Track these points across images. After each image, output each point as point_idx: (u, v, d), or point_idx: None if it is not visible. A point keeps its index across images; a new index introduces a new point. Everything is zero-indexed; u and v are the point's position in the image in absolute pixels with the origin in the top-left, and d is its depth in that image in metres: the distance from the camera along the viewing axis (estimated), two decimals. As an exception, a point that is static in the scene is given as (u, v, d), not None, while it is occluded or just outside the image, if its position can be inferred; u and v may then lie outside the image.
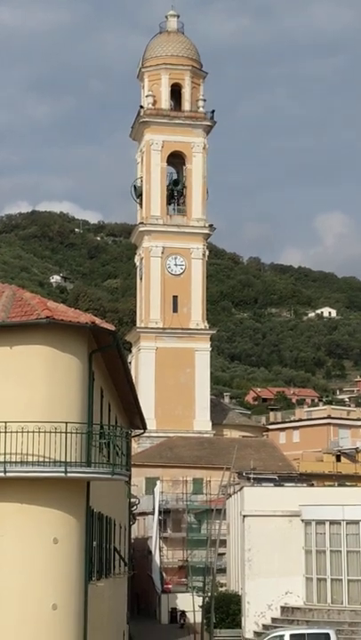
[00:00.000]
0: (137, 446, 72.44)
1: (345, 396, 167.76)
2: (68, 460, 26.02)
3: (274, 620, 42.64)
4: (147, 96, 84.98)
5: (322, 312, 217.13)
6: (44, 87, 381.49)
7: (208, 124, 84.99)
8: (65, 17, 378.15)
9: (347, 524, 42.33)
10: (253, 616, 43.32)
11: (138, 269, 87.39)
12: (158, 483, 65.32)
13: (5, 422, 25.97)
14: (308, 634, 36.85)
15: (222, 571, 54.44)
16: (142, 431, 49.28)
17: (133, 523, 56.99)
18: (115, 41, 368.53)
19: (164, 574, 62.94)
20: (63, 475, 25.97)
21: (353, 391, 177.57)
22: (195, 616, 50.29)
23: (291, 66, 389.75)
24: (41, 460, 26.01)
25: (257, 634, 41.89)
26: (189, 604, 51.68)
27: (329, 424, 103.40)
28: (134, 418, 44.74)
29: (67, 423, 26.11)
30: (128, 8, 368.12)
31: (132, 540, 56.65)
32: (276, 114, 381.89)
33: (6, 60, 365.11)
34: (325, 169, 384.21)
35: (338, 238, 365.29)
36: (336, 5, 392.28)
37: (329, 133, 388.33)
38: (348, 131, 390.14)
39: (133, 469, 52.80)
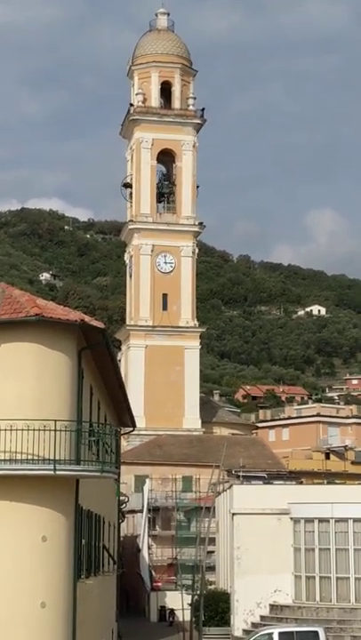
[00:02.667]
0: (126, 444, 72.37)
1: (334, 394, 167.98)
2: (57, 457, 26.02)
3: (263, 617, 42.67)
4: (137, 94, 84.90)
5: (311, 310, 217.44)
6: (36, 82, 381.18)
7: (198, 121, 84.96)
8: (57, 13, 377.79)
9: (336, 521, 42.39)
10: (242, 614, 43.34)
11: (127, 267, 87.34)
12: (147, 480, 65.35)
13: (-6, 420, 25.96)
14: (296, 632, 36.85)
15: (211, 569, 54.47)
16: (132, 429, 49.24)
17: (122, 520, 56.95)
18: (108, 37, 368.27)
19: (153, 572, 62.95)
20: (52, 472, 25.97)
21: (342, 389, 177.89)
22: (184, 614, 50.26)
23: (284, 62, 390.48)
24: (30, 457, 26.00)
25: (246, 632, 41.90)
26: (178, 601, 51.68)
27: (318, 422, 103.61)
28: (124, 416, 44.72)
29: (56, 421, 26.11)
30: (121, 4, 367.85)
31: (122, 538, 56.61)
32: (268, 110, 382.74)
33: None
34: (318, 166, 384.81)
35: (329, 236, 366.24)
36: (330, 2, 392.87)
37: (322, 130, 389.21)
38: (341, 128, 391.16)
39: (123, 467, 52.82)
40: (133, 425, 47.66)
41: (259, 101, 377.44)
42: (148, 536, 62.68)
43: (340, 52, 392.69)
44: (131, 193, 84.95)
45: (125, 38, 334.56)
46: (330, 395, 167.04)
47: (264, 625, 40.78)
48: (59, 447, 26.08)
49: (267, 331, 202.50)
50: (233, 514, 44.25)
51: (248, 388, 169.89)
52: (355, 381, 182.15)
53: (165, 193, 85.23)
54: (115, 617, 44.40)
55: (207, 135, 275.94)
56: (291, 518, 43.58)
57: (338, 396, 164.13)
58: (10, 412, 26.05)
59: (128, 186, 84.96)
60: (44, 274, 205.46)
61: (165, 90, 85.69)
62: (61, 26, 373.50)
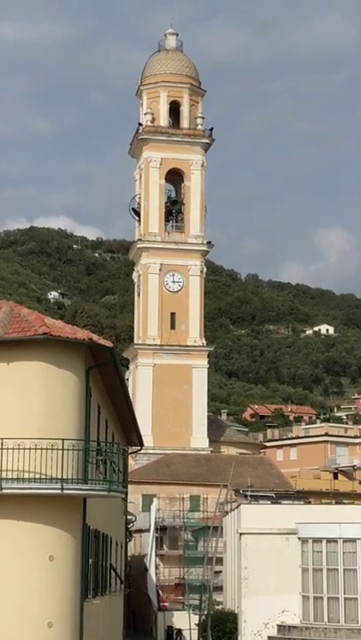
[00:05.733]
0: (134, 463, 72.23)
1: (343, 414, 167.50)
2: (65, 476, 26.00)
3: (270, 638, 42.47)
4: (145, 113, 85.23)
5: (320, 329, 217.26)
6: (45, 100, 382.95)
7: (206, 141, 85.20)
8: (66, 31, 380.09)
9: (344, 542, 42.22)
10: (250, 634, 43.15)
11: (136, 286, 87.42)
12: (155, 500, 65.10)
13: (2, 439, 25.97)
14: (304, 652, 36.73)
15: (219, 588, 54.25)
16: (139, 448, 49.19)
17: (130, 540, 56.75)
18: (116, 55, 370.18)
19: (160, 592, 62.66)
20: (59, 491, 25.94)
21: (351, 408, 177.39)
22: (191, 634, 50.08)
23: (292, 81, 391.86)
24: (37, 476, 25.99)
25: (253, 652, 41.73)
26: (186, 622, 51.46)
27: (326, 441, 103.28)
28: (131, 434, 44.69)
29: (63, 440, 26.12)
30: (130, 23, 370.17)
31: (129, 558, 56.41)
32: (276, 129, 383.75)
33: (7, 72, 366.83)
34: (327, 184, 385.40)
35: (338, 254, 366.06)
36: (337, 21, 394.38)
37: (330, 148, 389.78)
38: (349, 145, 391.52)
39: (130, 486, 52.66)
40: (141, 444, 47.61)
41: (267, 120, 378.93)
42: (156, 555, 62.36)
43: (347, 69, 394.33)
44: (139, 213, 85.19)
45: (134, 57, 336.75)
46: (338, 414, 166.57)
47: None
48: (66, 466, 26.07)
49: (275, 350, 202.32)
50: (241, 534, 44.12)
51: (256, 407, 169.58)
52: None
53: (174, 212, 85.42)
54: (122, 637, 44.22)
55: (216, 154, 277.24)
56: (299, 538, 43.42)
57: (346, 415, 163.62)
58: (18, 430, 26.06)
59: (137, 213, 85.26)
60: (53, 292, 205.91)
61: (174, 109, 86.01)
62: (70, 44, 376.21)
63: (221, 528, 51.15)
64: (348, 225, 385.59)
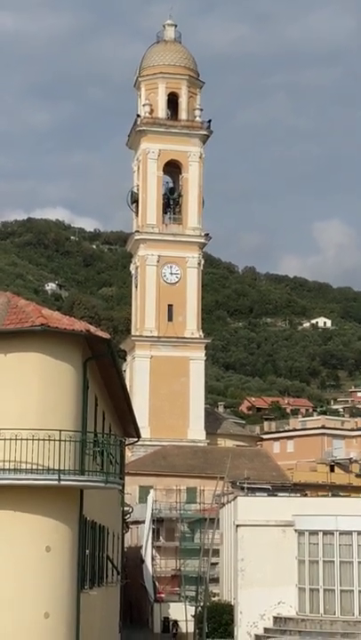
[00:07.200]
0: (131, 455, 72.31)
1: (339, 407, 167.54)
2: (62, 467, 26.00)
3: (266, 630, 42.55)
4: (143, 105, 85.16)
5: (317, 322, 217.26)
6: (43, 93, 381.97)
7: (204, 133, 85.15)
8: (65, 23, 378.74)
9: (340, 534, 42.29)
10: (246, 626, 43.21)
11: (133, 278, 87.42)
12: (152, 491, 65.20)
13: (-1, 429, 25.96)
14: (300, 644, 36.77)
15: (215, 580, 54.33)
16: (136, 439, 49.17)
17: (127, 531, 56.82)
18: (115, 48, 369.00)
19: (156, 583, 62.80)
20: (56, 483, 25.95)
21: (347, 401, 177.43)
22: (187, 625, 50.20)
23: (291, 74, 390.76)
24: (34, 467, 26.00)
25: (249, 644, 41.80)
26: (182, 613, 51.56)
27: (323, 434, 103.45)
28: (128, 426, 44.71)
29: (60, 431, 26.11)
30: (129, 15, 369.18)
31: (126, 549, 56.49)
32: (275, 122, 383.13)
33: (5, 65, 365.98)
34: (326, 178, 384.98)
35: (336, 248, 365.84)
36: (337, 14, 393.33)
37: (329, 142, 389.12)
38: (348, 139, 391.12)
39: (127, 478, 52.69)
40: (138, 435, 47.61)
41: (265, 113, 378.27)
42: (152, 547, 62.51)
43: (346, 63, 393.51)
44: (136, 202, 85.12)
45: (133, 49, 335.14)
46: (335, 407, 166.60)
47: (268, 637, 40.70)
48: (63, 457, 26.07)
49: (272, 342, 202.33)
50: (237, 525, 44.16)
51: (253, 399, 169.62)
52: (360, 394, 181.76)
53: (171, 204, 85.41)
54: (118, 628, 44.31)
55: (214, 147, 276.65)
56: (295, 530, 43.47)
57: (343, 408, 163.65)
58: (15, 421, 26.06)
59: (134, 197, 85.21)
60: (50, 284, 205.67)
61: (172, 101, 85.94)
62: (69, 36, 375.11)
63: (218, 520, 51.20)
64: (347, 218, 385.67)
